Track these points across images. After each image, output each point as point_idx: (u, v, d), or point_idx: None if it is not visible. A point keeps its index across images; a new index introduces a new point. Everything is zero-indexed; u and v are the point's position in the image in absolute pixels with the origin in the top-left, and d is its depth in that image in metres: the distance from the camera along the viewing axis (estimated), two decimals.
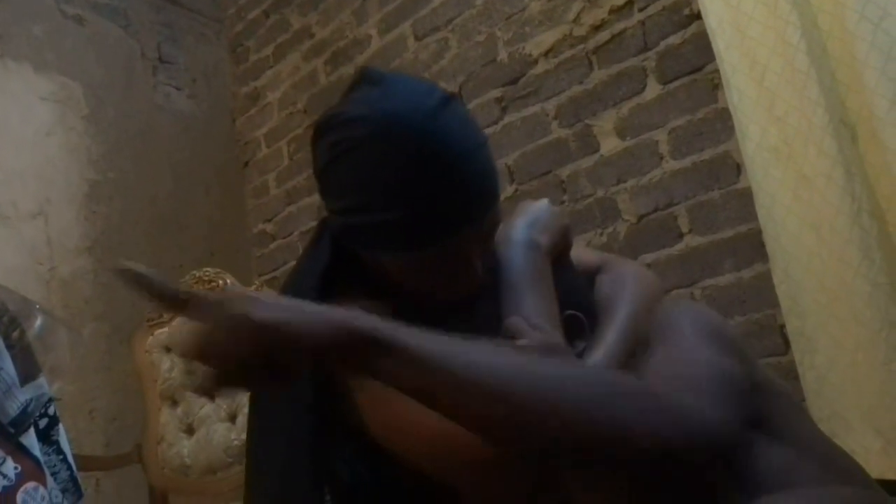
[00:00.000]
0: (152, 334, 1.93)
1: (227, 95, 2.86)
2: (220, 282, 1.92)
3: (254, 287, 1.93)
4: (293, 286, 0.73)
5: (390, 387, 0.51)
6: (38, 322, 0.98)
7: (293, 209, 2.58)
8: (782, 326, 1.43)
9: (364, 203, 0.65)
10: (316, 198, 2.81)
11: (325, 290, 0.69)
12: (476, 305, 0.69)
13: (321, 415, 0.66)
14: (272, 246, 2.65)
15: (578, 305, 0.71)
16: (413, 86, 0.68)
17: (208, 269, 1.98)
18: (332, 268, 0.72)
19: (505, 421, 0.50)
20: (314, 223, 0.81)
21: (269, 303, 0.50)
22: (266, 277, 2.56)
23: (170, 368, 1.87)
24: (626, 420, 0.51)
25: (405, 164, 0.63)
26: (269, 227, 2.67)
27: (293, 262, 0.79)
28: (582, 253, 0.88)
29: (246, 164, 2.80)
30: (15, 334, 0.94)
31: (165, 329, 1.93)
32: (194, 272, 1.97)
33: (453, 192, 0.64)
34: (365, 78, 0.69)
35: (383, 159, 0.64)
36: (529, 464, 0.58)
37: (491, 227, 0.69)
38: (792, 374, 1.41)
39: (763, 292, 1.48)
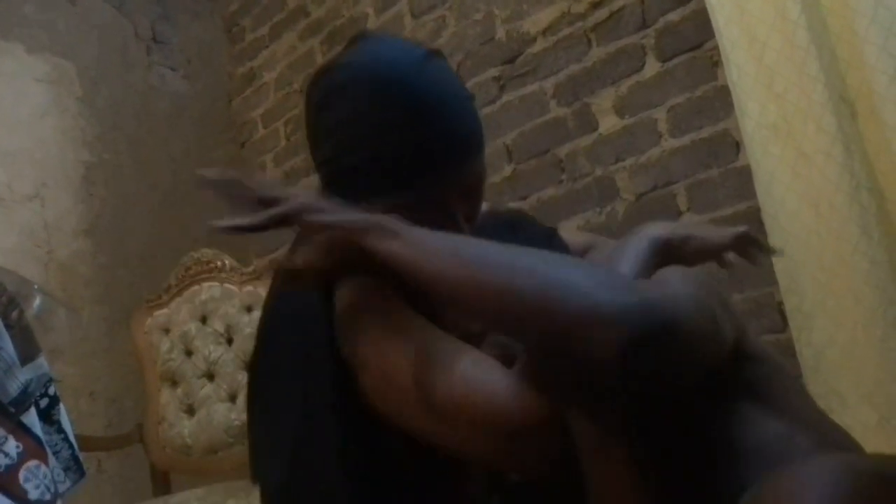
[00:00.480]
0: (151, 316, 1.94)
1: (223, 76, 2.84)
2: (218, 262, 1.92)
3: (252, 268, 1.93)
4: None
5: (392, 267, 0.59)
6: (37, 302, 0.98)
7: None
8: (780, 304, 1.44)
9: (350, 144, 0.66)
10: (315, 179, 2.80)
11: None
12: None
13: (338, 391, 0.66)
14: None
15: None
16: (401, 42, 0.72)
17: (206, 249, 1.98)
18: None
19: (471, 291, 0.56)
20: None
21: (330, 206, 0.63)
22: (265, 258, 2.56)
23: (169, 349, 1.88)
24: (560, 289, 0.53)
25: (390, 105, 0.65)
26: None
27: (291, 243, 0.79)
28: (571, 235, 0.89)
29: (243, 145, 2.78)
30: (14, 315, 0.94)
31: (164, 310, 1.93)
32: (192, 253, 1.97)
33: (437, 134, 0.65)
34: (355, 38, 0.72)
35: (369, 100, 0.65)
36: (545, 434, 0.58)
37: (475, 181, 0.70)
38: (790, 351, 1.41)
39: (761, 270, 1.48)
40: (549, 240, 0.88)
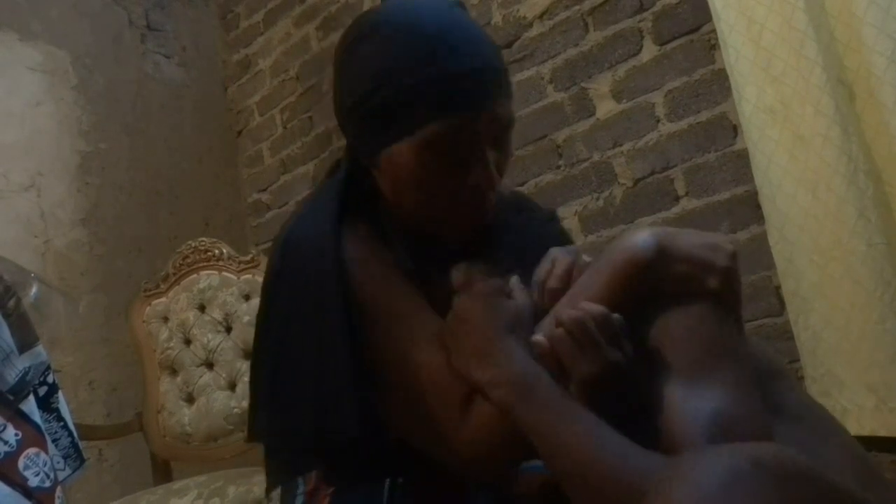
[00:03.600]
0: (149, 304, 1.94)
1: (218, 63, 2.82)
2: (216, 251, 1.92)
3: (250, 256, 1.92)
4: (305, 223, 0.73)
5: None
6: (34, 290, 0.98)
7: (288, 178, 2.56)
8: (778, 287, 1.44)
9: (390, 76, 0.67)
10: (311, 167, 2.79)
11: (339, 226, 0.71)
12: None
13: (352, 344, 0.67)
14: (268, 215, 2.64)
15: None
16: None
17: (203, 238, 1.97)
18: (345, 208, 0.73)
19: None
20: (310, 192, 0.82)
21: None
22: (262, 247, 2.56)
23: (168, 338, 1.88)
24: None
25: (424, 38, 0.67)
26: (264, 197, 2.66)
27: None
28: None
29: (239, 133, 2.77)
30: (11, 303, 0.94)
31: (163, 299, 1.93)
32: (190, 242, 1.97)
33: (469, 68, 0.67)
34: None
35: (402, 35, 0.68)
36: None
37: (504, 124, 0.71)
38: (787, 334, 1.42)
39: (759, 254, 1.48)
40: (550, 223, 0.89)
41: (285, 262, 0.70)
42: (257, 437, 0.72)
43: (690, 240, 0.65)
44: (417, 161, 0.69)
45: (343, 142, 0.84)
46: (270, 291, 0.71)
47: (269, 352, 0.69)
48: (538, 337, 0.63)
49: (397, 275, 0.72)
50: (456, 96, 0.67)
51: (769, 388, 0.66)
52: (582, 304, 0.62)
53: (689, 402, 0.59)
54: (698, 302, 0.63)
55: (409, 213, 0.73)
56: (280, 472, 0.78)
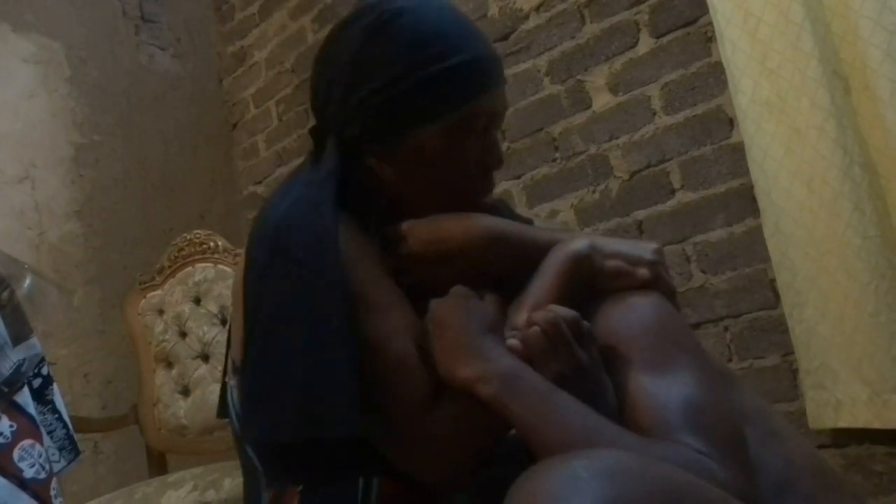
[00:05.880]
0: (145, 297, 1.93)
1: (213, 55, 2.81)
2: (211, 243, 1.92)
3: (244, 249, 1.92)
4: (298, 211, 0.70)
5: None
6: (28, 282, 0.98)
7: (283, 170, 2.56)
8: (773, 280, 1.44)
9: (415, 61, 0.70)
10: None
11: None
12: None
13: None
14: (271, 199, 2.63)
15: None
16: None
17: (199, 231, 1.97)
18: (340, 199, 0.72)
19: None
20: (288, 178, 0.80)
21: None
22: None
23: (163, 331, 1.87)
24: None
25: (449, 25, 0.72)
26: (259, 190, 2.65)
27: None
28: (548, 225, 0.91)
29: (234, 125, 2.76)
30: (5, 295, 0.94)
31: (158, 292, 1.93)
32: (185, 234, 1.96)
33: (488, 52, 0.73)
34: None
35: (429, 18, 0.72)
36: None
37: (506, 107, 0.77)
38: (782, 327, 1.42)
39: (754, 247, 1.48)
40: None
41: (277, 259, 0.67)
42: (246, 431, 0.71)
43: (619, 243, 0.73)
44: (446, 143, 0.71)
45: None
46: (261, 286, 0.67)
47: (260, 337, 0.67)
48: (512, 341, 0.64)
49: (384, 271, 0.71)
50: (480, 79, 0.71)
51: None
52: (552, 306, 0.64)
53: (657, 392, 0.60)
54: (646, 296, 0.68)
55: (417, 198, 0.73)
56: (254, 470, 0.75)
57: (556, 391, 0.60)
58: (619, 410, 0.61)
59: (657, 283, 0.69)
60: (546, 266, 0.69)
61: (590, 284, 0.69)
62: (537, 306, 0.66)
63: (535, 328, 0.62)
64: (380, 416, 0.65)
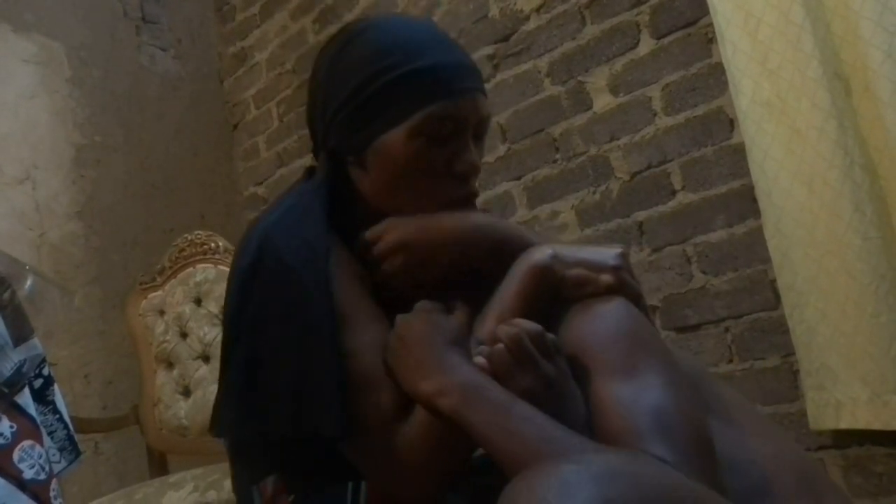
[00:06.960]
0: (146, 298, 1.93)
1: (214, 56, 2.81)
2: (212, 244, 1.92)
3: None
4: (287, 222, 0.72)
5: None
6: (29, 283, 0.98)
7: (284, 171, 2.56)
8: (773, 281, 1.44)
9: (377, 67, 0.72)
10: (307, 160, 2.78)
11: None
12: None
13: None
14: (264, 209, 2.63)
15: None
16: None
17: (199, 232, 1.97)
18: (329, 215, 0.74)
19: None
20: (282, 193, 0.82)
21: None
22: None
23: (164, 331, 1.87)
24: None
25: (413, 33, 0.74)
26: (260, 191, 2.66)
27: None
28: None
29: (235, 126, 2.76)
30: (6, 295, 0.94)
31: (159, 292, 1.93)
32: (186, 235, 1.96)
33: (455, 60, 0.74)
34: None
35: (391, 34, 0.74)
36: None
37: (483, 116, 0.76)
38: (782, 328, 1.42)
39: (755, 248, 1.48)
40: None
41: (266, 260, 0.68)
42: (225, 432, 0.72)
43: (581, 250, 0.72)
44: (409, 146, 0.71)
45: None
46: (247, 286, 0.69)
47: (247, 345, 0.68)
48: (478, 359, 0.63)
49: (362, 286, 0.72)
50: (444, 84, 0.72)
51: (698, 389, 0.67)
52: (516, 320, 0.64)
53: (627, 399, 0.59)
54: (610, 302, 0.67)
55: (393, 206, 0.74)
56: (243, 475, 0.76)
57: (518, 402, 0.59)
58: (591, 417, 0.61)
59: (622, 288, 0.69)
60: (509, 277, 0.69)
61: (554, 294, 0.69)
62: (501, 318, 0.66)
63: (500, 345, 0.62)
64: (350, 430, 0.65)
